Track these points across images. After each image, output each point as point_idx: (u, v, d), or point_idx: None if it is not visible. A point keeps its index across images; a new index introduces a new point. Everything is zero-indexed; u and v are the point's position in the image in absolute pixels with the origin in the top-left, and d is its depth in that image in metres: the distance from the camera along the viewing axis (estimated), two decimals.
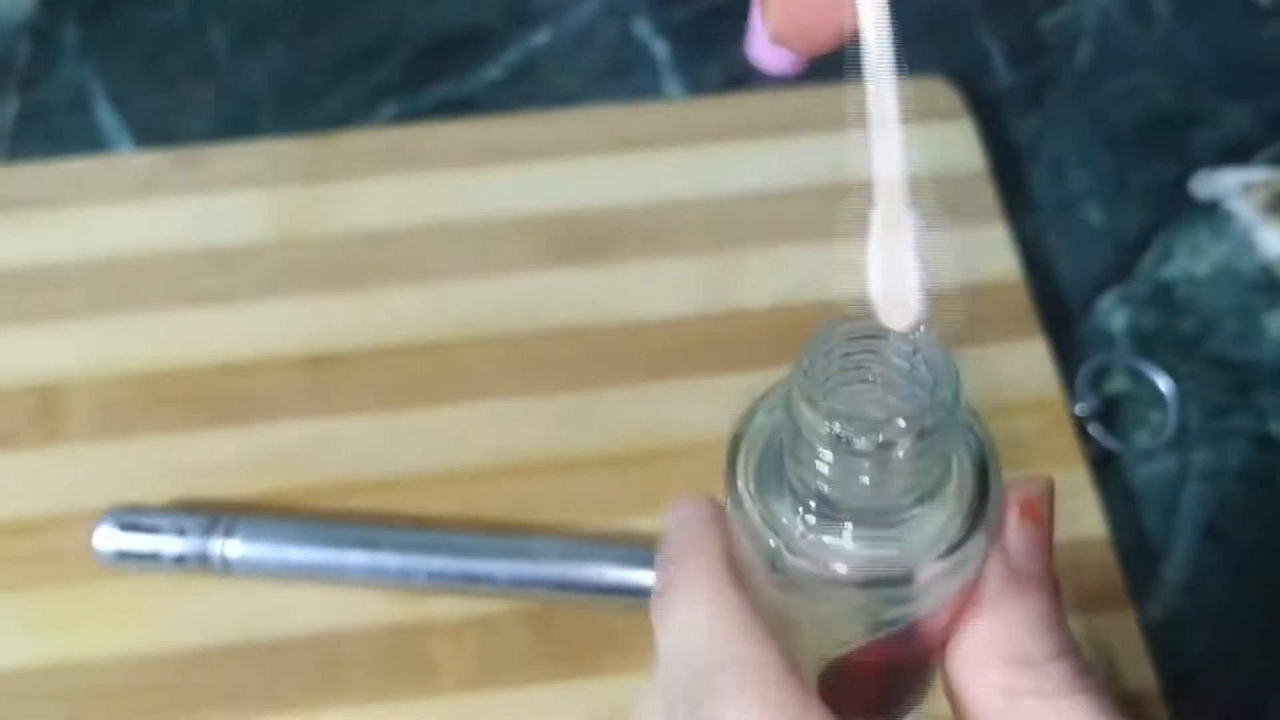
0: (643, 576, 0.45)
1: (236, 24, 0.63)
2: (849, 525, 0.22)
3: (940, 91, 0.59)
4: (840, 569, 0.22)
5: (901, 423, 0.20)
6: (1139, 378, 0.53)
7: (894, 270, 0.21)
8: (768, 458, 0.23)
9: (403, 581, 0.46)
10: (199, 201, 0.56)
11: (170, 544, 0.46)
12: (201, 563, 0.46)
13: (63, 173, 0.57)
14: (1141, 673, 0.46)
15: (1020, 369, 0.52)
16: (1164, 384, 0.52)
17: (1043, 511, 0.23)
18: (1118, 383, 0.53)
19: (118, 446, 0.50)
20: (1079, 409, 0.51)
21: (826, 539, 0.22)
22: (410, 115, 0.60)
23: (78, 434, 0.50)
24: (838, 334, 0.22)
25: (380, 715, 0.45)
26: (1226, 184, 0.57)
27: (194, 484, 0.49)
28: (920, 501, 0.22)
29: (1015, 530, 0.23)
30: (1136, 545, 0.49)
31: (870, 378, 0.22)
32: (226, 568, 0.46)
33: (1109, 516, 0.48)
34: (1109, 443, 0.51)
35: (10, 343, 0.52)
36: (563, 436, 0.50)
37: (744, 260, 0.55)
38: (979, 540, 0.22)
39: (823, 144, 0.57)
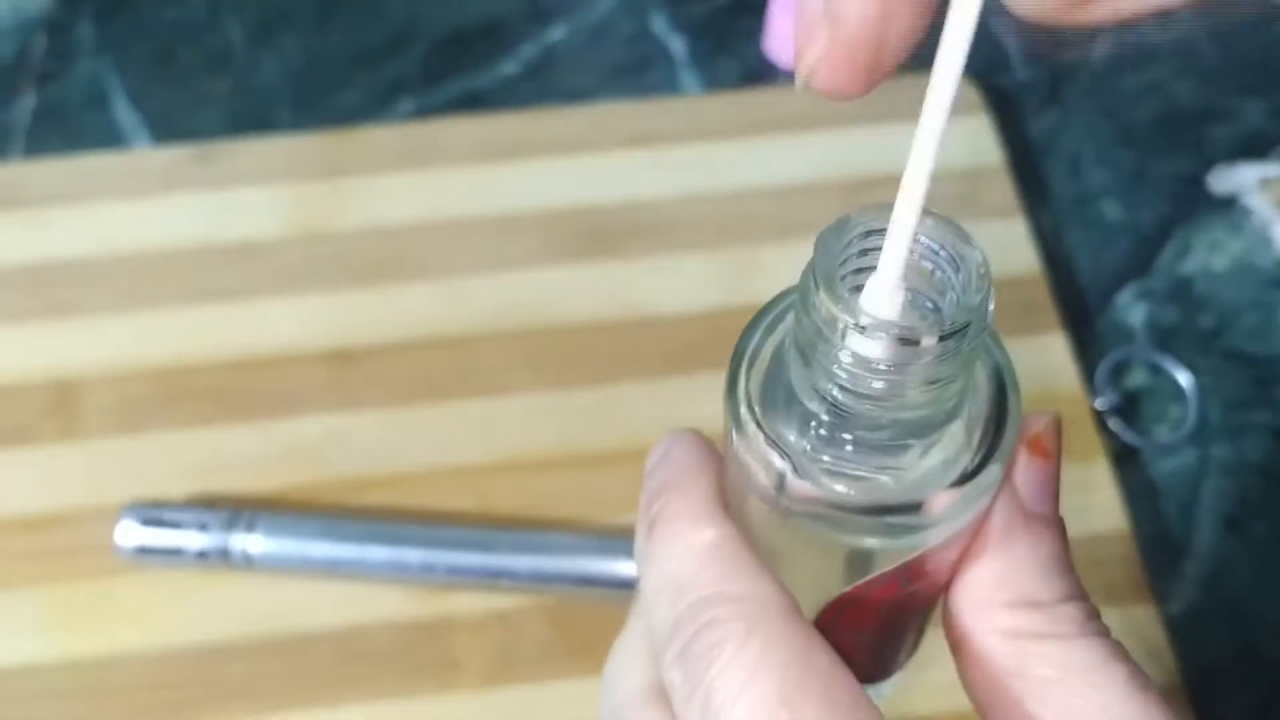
0: None
1: (251, 18, 0.62)
2: (860, 446, 0.20)
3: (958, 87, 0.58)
4: (848, 493, 0.20)
5: (929, 319, 0.19)
6: (1158, 372, 0.53)
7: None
8: (770, 378, 0.21)
9: (423, 576, 0.46)
10: (216, 197, 0.56)
11: (192, 539, 0.46)
12: (223, 558, 0.46)
13: (80, 169, 0.57)
14: (1164, 667, 0.46)
15: (1040, 364, 0.52)
16: (1183, 378, 0.52)
17: (1052, 446, 0.22)
18: (1137, 377, 0.53)
19: (135, 441, 0.50)
20: (1099, 403, 0.51)
21: (836, 462, 0.20)
22: (426, 110, 0.59)
23: (94, 429, 0.50)
24: (855, 223, 0.20)
25: (401, 710, 0.45)
26: (1244, 179, 0.57)
27: (212, 479, 0.49)
28: (936, 423, 0.20)
29: (1024, 466, 0.22)
30: (1157, 539, 0.49)
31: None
32: (248, 563, 0.46)
33: (1130, 511, 0.48)
34: (1129, 437, 0.51)
35: (27, 338, 0.52)
36: (580, 432, 0.50)
37: (760, 255, 0.54)
38: (993, 470, 0.20)
39: (839, 139, 0.57)
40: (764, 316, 0.22)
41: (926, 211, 0.19)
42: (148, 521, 0.46)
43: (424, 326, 0.53)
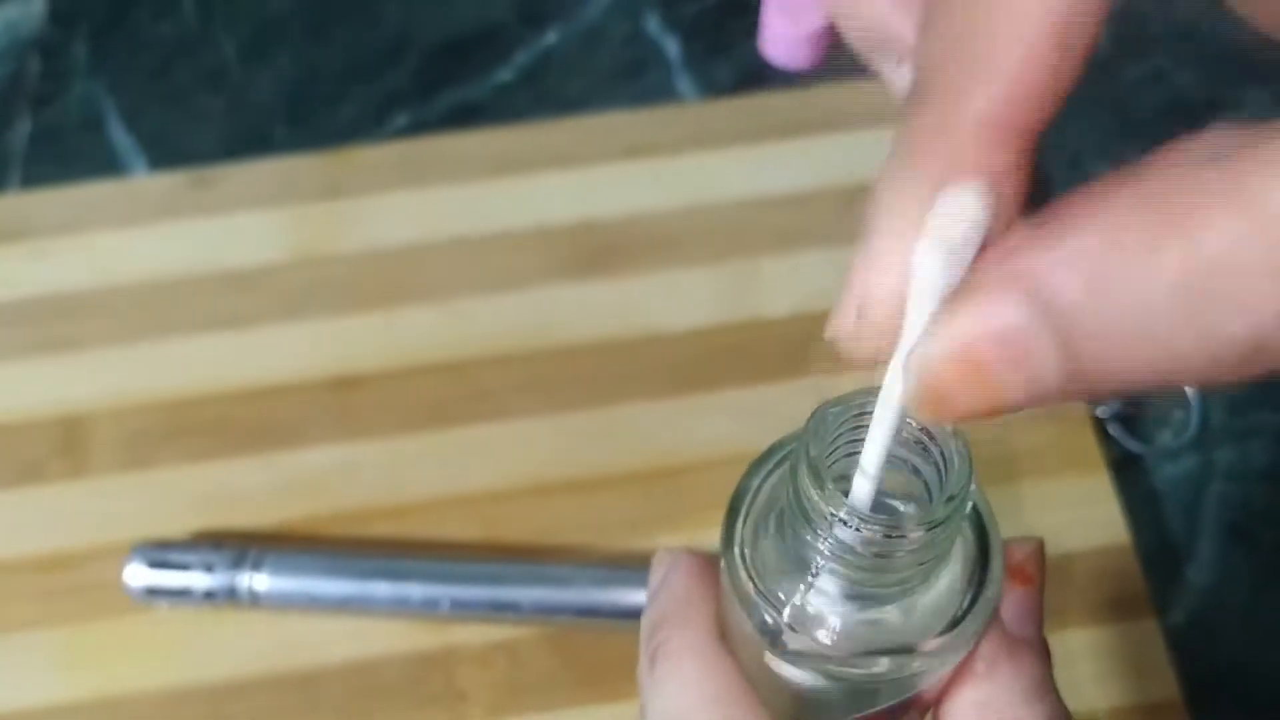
0: None
1: (244, 33, 0.62)
2: (851, 604, 0.21)
3: None
4: (840, 646, 0.21)
5: (910, 517, 0.20)
6: None
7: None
8: (766, 526, 0.22)
9: (428, 611, 0.46)
10: (215, 223, 0.56)
11: (199, 579, 0.46)
12: (230, 596, 0.46)
13: (78, 198, 0.57)
14: (1164, 679, 0.46)
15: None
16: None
17: (1034, 573, 0.24)
18: None
19: (142, 477, 0.51)
20: (1100, 411, 0.51)
21: (827, 615, 0.21)
22: (422, 122, 0.59)
23: (103, 466, 0.51)
24: (842, 411, 0.21)
25: None
26: None
27: (219, 513, 0.50)
28: (923, 580, 0.21)
29: (1007, 593, 0.23)
30: (1159, 547, 0.49)
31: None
32: (255, 601, 0.46)
33: (1130, 519, 0.48)
34: (1131, 444, 0.51)
35: (33, 373, 0.53)
36: (585, 454, 0.51)
37: (762, 266, 0.54)
38: (979, 613, 0.22)
39: (839, 144, 0.57)
40: (759, 468, 0.23)
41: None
42: (155, 563, 0.47)
43: (426, 350, 0.53)
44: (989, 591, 0.21)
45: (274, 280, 0.55)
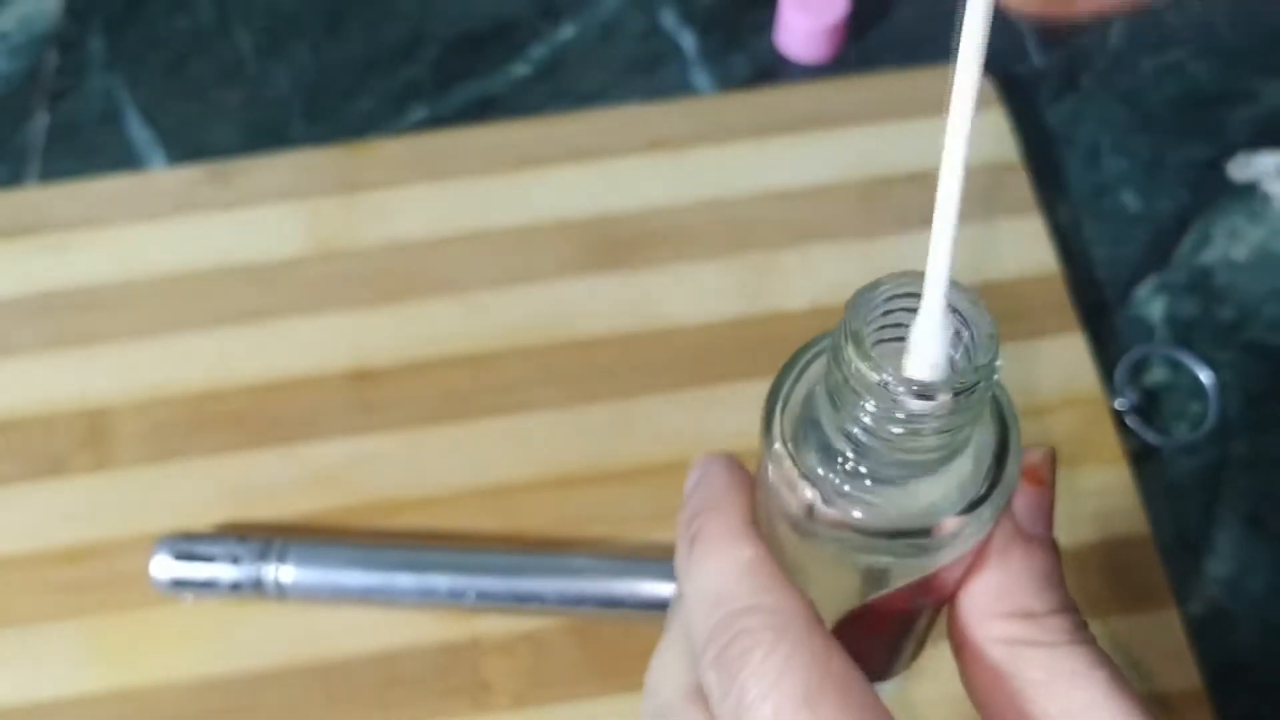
0: None
1: (261, 26, 0.62)
2: (880, 479, 0.23)
3: None
4: (868, 519, 0.23)
5: (942, 382, 0.22)
6: (1178, 368, 0.53)
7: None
8: (802, 415, 0.24)
9: (453, 602, 0.47)
10: (233, 217, 0.56)
11: (225, 571, 0.46)
12: (256, 588, 0.47)
13: (97, 192, 0.57)
14: (1186, 668, 0.46)
15: (1058, 364, 0.52)
16: (1203, 374, 0.52)
17: (1046, 476, 0.25)
18: (1156, 374, 0.53)
19: (165, 470, 0.51)
20: (1118, 404, 0.51)
21: (858, 492, 0.23)
22: (439, 115, 0.59)
23: (127, 458, 0.51)
24: (880, 292, 0.23)
25: None
26: (1264, 166, 0.57)
27: (242, 506, 0.50)
28: (947, 459, 0.23)
29: (1020, 492, 0.24)
30: (1178, 539, 0.49)
31: (909, 335, 0.23)
32: (281, 592, 0.47)
33: (1150, 511, 0.49)
34: (1149, 436, 0.51)
35: (54, 367, 0.53)
36: (605, 447, 0.51)
37: (780, 260, 0.54)
38: (996, 499, 0.23)
39: (857, 137, 0.57)
40: (798, 360, 0.25)
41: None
42: (181, 555, 0.47)
43: (445, 343, 0.53)
44: (1006, 479, 0.23)
45: (293, 273, 0.55)
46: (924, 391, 0.21)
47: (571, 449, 0.51)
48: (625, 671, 0.47)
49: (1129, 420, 0.51)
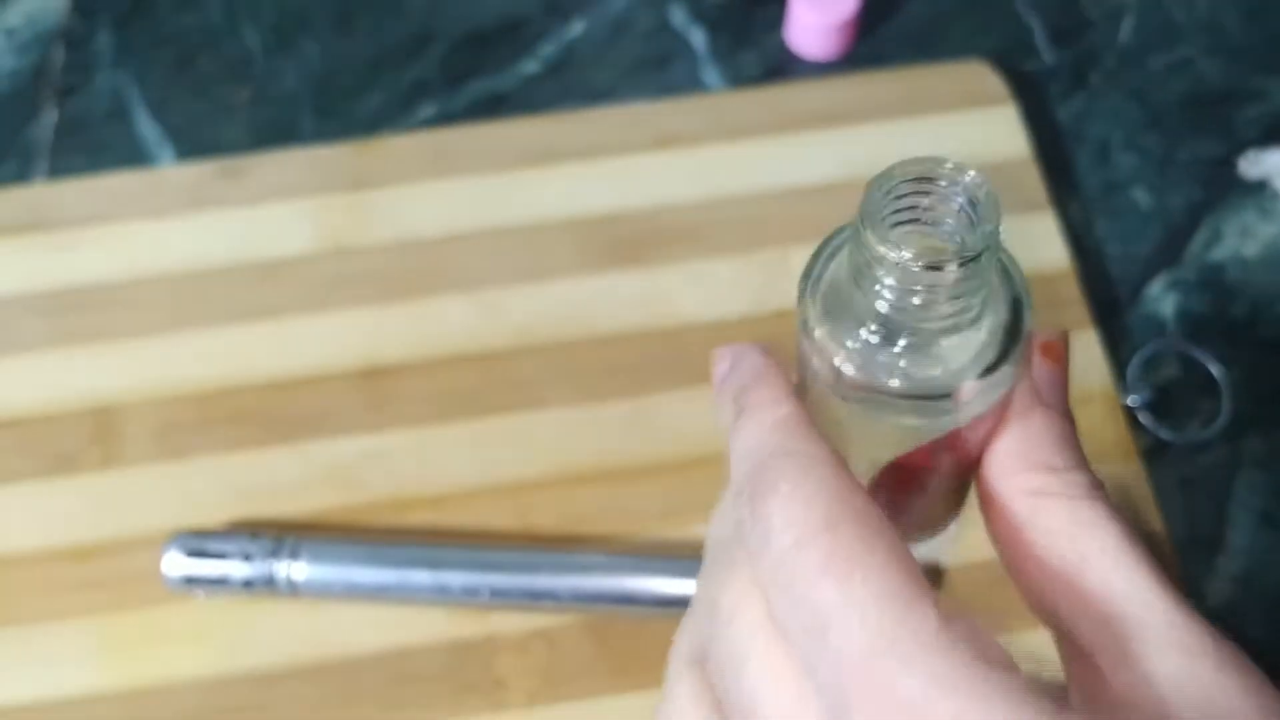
0: None
1: (269, 23, 0.62)
2: (902, 346, 0.25)
3: (983, 75, 0.58)
4: (895, 385, 0.25)
5: (951, 248, 0.24)
6: (1190, 364, 0.53)
7: None
8: (831, 292, 0.26)
9: (466, 599, 0.46)
10: (243, 214, 0.56)
11: (237, 568, 0.46)
12: (268, 585, 0.46)
13: (107, 188, 0.57)
14: None
15: (1072, 362, 0.52)
16: (1215, 371, 0.52)
17: (1062, 352, 0.27)
18: (1168, 371, 0.53)
19: (175, 467, 0.51)
20: (1130, 401, 0.51)
21: (884, 359, 0.25)
22: (449, 113, 0.59)
23: (136, 456, 0.51)
24: (893, 178, 0.25)
25: None
26: (1274, 163, 0.57)
27: (253, 503, 0.50)
28: (962, 327, 0.25)
29: (1038, 366, 0.27)
30: (1191, 535, 0.49)
31: (920, 215, 0.25)
32: (293, 589, 0.46)
33: (1162, 507, 0.49)
34: (1161, 433, 0.51)
35: (63, 364, 0.53)
36: (617, 444, 0.51)
37: (791, 257, 0.54)
38: (1009, 366, 0.25)
39: (867, 133, 0.57)
40: (828, 243, 0.27)
41: (951, 160, 0.25)
42: (193, 552, 0.47)
43: (456, 340, 0.53)
44: (1018, 347, 0.25)
45: (303, 270, 0.55)
46: (934, 263, 0.23)
47: (584, 446, 0.51)
48: (640, 669, 0.47)
49: (1141, 417, 0.51)
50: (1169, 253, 0.55)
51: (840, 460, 0.25)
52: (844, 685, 0.22)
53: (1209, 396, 0.52)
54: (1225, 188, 0.57)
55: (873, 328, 0.25)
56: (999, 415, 0.26)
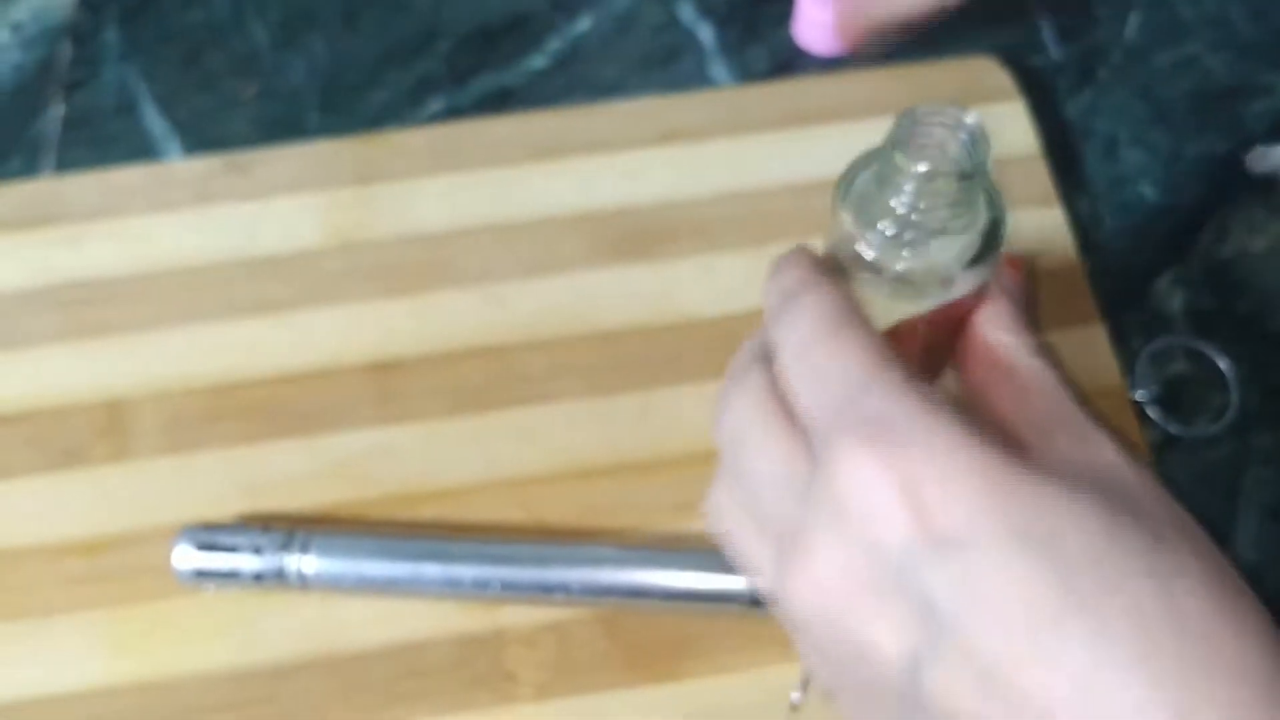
0: (718, 581, 0.46)
1: (276, 19, 0.62)
2: (909, 239, 0.33)
3: (990, 71, 0.58)
4: (899, 267, 0.33)
5: (953, 169, 0.32)
6: (1199, 359, 0.53)
7: None
8: (859, 197, 0.34)
9: (477, 592, 0.46)
10: (251, 208, 0.56)
11: (248, 562, 0.46)
12: (279, 579, 0.46)
13: (114, 182, 0.57)
14: None
15: (1079, 356, 0.52)
16: (1224, 365, 0.52)
17: (1021, 265, 0.36)
18: (1177, 366, 0.53)
19: (184, 461, 0.51)
20: (1139, 395, 0.51)
21: (897, 248, 0.33)
22: (456, 108, 0.59)
23: (145, 449, 0.51)
24: (916, 114, 0.32)
25: None
26: None
27: (262, 497, 0.50)
28: (954, 231, 0.33)
29: (1005, 272, 0.35)
30: None
31: (933, 143, 0.32)
32: (303, 583, 0.46)
33: None
34: (1170, 427, 0.51)
35: (71, 358, 0.53)
36: (626, 438, 0.51)
37: None
38: (986, 265, 0.33)
39: (875, 128, 0.57)
40: (856, 164, 0.35)
41: (957, 106, 0.33)
42: (203, 545, 0.46)
43: (464, 334, 0.53)
44: (996, 250, 0.33)
45: (311, 265, 0.55)
46: (941, 175, 0.32)
47: (592, 440, 0.51)
48: (650, 663, 0.47)
49: (1150, 411, 0.51)
50: (1177, 248, 0.55)
51: (854, 301, 0.32)
52: (832, 417, 0.30)
53: (1217, 391, 0.52)
54: (1233, 183, 0.57)
55: (889, 224, 0.33)
56: (976, 300, 0.34)
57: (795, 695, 0.44)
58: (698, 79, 0.60)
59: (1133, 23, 0.61)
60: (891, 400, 0.29)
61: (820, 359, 0.31)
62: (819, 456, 0.29)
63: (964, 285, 0.34)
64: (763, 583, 0.32)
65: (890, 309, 0.34)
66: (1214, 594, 0.27)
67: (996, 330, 0.34)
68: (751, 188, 0.56)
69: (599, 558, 0.46)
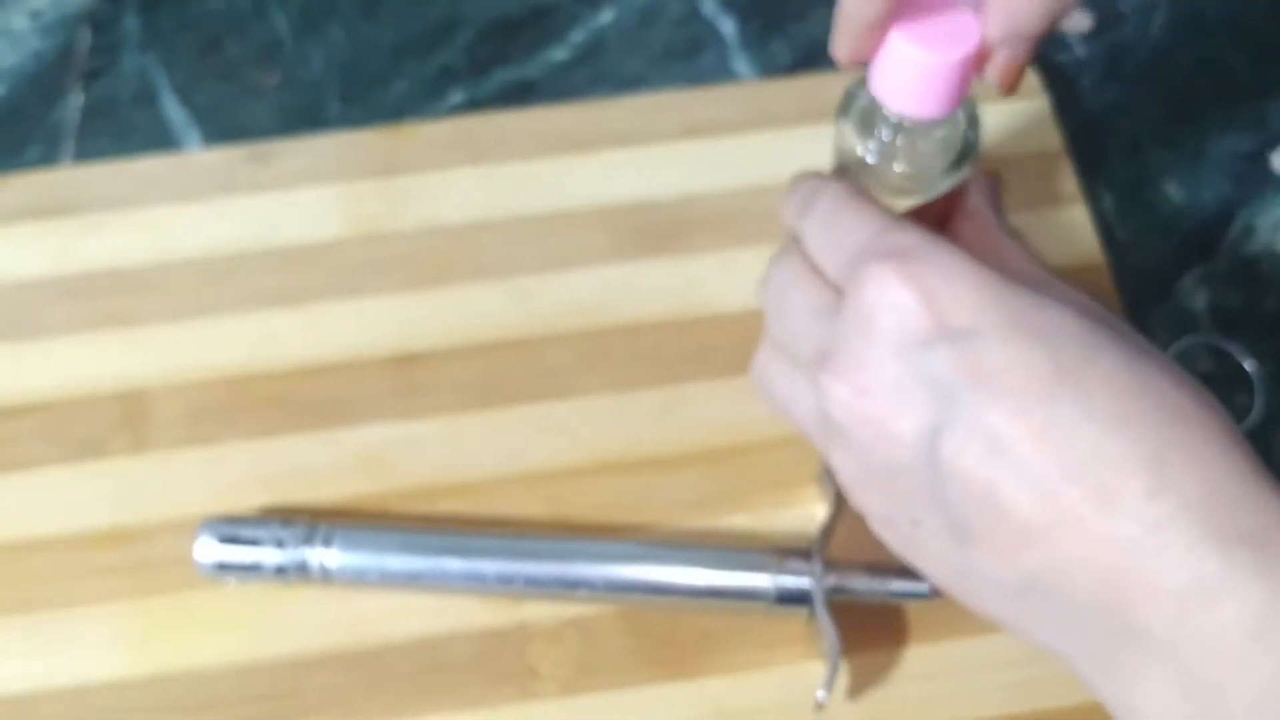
0: (742, 579, 0.45)
1: (296, 7, 0.62)
2: (901, 145, 0.39)
3: None
4: (896, 168, 0.39)
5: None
6: (1223, 358, 0.52)
7: None
8: (860, 111, 0.39)
9: (500, 587, 0.46)
10: (272, 199, 0.55)
11: (270, 555, 0.46)
12: (301, 572, 0.46)
13: (134, 172, 0.56)
14: None
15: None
16: (1248, 365, 0.52)
17: (995, 171, 0.42)
18: (1201, 364, 0.52)
19: (205, 453, 0.50)
20: None
21: (892, 153, 0.39)
22: (477, 100, 0.59)
23: (165, 441, 0.51)
24: None
25: (483, 719, 0.46)
26: None
27: (283, 490, 0.50)
28: (940, 137, 0.39)
29: (980, 175, 0.40)
30: None
31: None
32: (325, 576, 0.46)
33: None
34: None
35: (91, 348, 0.52)
36: (648, 433, 0.51)
37: None
38: (964, 169, 0.39)
39: None
40: (860, 81, 0.39)
41: None
42: (225, 538, 0.46)
43: (486, 328, 0.53)
44: (973, 155, 0.39)
45: (332, 256, 0.54)
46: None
47: (615, 435, 0.51)
48: (674, 660, 0.47)
49: None
50: (1201, 246, 0.55)
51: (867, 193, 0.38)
52: (856, 256, 0.35)
53: (1241, 391, 0.52)
54: (1257, 181, 0.56)
55: (885, 131, 0.38)
56: (957, 197, 0.40)
57: (821, 694, 0.43)
58: (720, 72, 0.60)
59: (1157, 20, 0.61)
60: (907, 236, 0.34)
61: (842, 221, 0.36)
62: (847, 289, 0.34)
63: (948, 183, 0.39)
64: (801, 415, 0.37)
65: (889, 206, 0.38)
66: (1180, 383, 0.31)
67: (979, 205, 0.40)
68: (773, 181, 0.55)
69: (623, 554, 0.46)
